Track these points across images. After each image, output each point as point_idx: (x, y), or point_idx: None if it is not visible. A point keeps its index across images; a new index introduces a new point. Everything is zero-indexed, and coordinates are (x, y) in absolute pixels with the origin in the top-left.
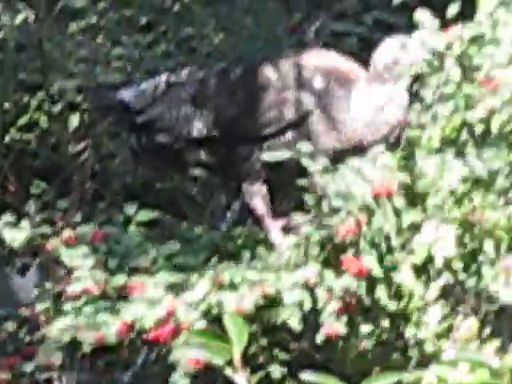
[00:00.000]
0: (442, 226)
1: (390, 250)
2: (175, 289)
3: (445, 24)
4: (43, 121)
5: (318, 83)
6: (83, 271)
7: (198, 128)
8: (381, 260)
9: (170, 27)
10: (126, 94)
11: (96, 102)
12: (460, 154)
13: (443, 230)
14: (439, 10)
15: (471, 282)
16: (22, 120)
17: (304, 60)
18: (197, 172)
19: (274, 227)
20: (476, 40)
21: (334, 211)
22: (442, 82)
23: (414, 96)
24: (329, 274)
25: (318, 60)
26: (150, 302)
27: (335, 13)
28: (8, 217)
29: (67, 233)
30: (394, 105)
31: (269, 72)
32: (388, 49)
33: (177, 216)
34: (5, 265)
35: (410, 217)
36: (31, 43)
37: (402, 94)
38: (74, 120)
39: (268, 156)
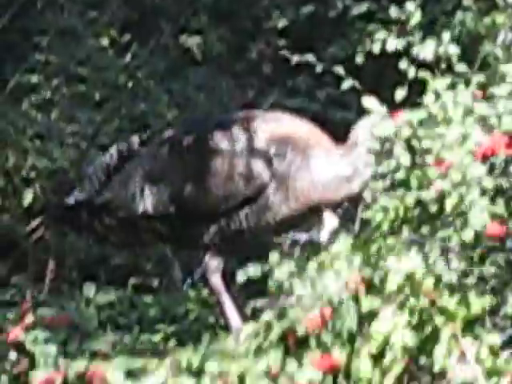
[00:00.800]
0: (398, 313)
1: (351, 339)
2: (134, 375)
3: (393, 107)
4: None
5: (273, 153)
6: (46, 358)
7: (154, 205)
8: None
9: (124, 103)
10: (78, 195)
11: (55, 219)
12: (415, 232)
13: (400, 318)
14: (386, 93)
15: (426, 362)
16: None
17: (258, 127)
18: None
19: (231, 310)
20: (425, 123)
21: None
22: (392, 168)
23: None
24: (291, 364)
25: (273, 126)
26: None
27: (288, 89)
28: None
29: (29, 317)
30: (356, 176)
31: (221, 143)
32: (363, 127)
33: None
34: None
35: (369, 303)
36: None
37: (365, 169)
38: (28, 196)
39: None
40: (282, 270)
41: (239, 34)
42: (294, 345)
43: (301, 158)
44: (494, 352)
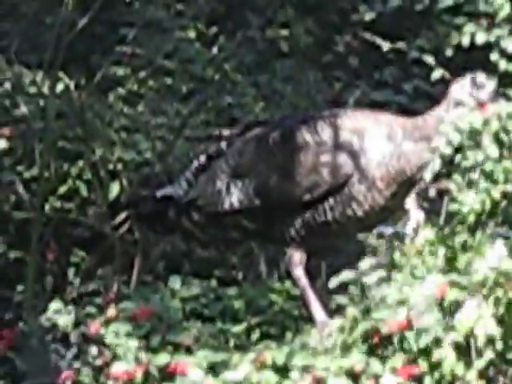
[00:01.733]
0: (483, 305)
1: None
2: (217, 368)
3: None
4: (83, 189)
5: (356, 144)
6: (126, 352)
7: (240, 199)
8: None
9: (211, 96)
10: (168, 190)
11: (141, 210)
12: (501, 225)
13: (485, 310)
14: None
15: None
16: (62, 189)
17: (342, 122)
18: (237, 236)
19: (315, 304)
20: None
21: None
22: (480, 160)
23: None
24: (375, 365)
25: (357, 121)
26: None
27: (375, 82)
28: (57, 303)
29: (111, 311)
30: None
31: (306, 136)
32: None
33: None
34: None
35: (453, 294)
36: (72, 112)
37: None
38: (115, 189)
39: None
40: (371, 277)
41: (326, 26)
42: (377, 344)
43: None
44: None
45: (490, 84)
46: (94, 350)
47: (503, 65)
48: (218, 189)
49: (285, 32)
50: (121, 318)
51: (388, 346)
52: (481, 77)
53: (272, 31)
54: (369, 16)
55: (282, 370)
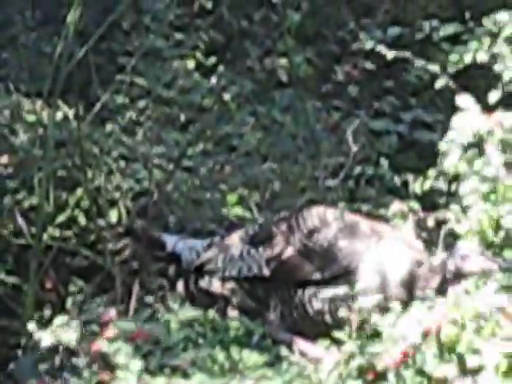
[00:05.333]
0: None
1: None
2: None
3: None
4: (82, 218)
5: (367, 235)
6: (128, 372)
7: (249, 266)
8: None
9: (209, 125)
10: (179, 247)
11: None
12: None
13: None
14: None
15: None
16: (61, 217)
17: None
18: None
19: (308, 346)
20: None
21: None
22: (484, 164)
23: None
24: None
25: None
26: None
27: (374, 111)
28: (61, 319)
29: (110, 331)
30: None
31: (321, 219)
32: None
33: None
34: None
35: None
36: (70, 140)
37: None
38: (113, 217)
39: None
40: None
41: (325, 56)
42: (372, 379)
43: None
44: None
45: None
46: (95, 366)
47: (507, 76)
48: (228, 256)
49: (284, 61)
50: (120, 338)
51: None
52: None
53: (271, 61)
54: (368, 45)
55: None
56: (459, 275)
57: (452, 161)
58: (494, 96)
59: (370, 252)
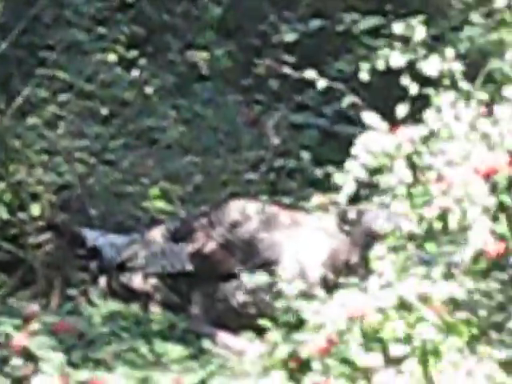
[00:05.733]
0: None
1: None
2: None
3: (396, 123)
4: (4, 212)
5: (287, 225)
6: (50, 365)
7: (172, 263)
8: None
9: (131, 119)
10: (100, 242)
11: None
12: (420, 247)
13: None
14: (392, 109)
15: None
16: None
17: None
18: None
19: (231, 339)
20: (427, 139)
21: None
22: (393, 184)
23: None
24: None
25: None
26: None
27: (296, 104)
28: None
29: (34, 324)
30: None
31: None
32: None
33: None
34: None
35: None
36: None
37: None
38: (35, 211)
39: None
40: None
41: (246, 49)
42: (296, 368)
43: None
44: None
45: None
46: (16, 361)
47: (414, 89)
48: (150, 253)
49: (205, 55)
50: (42, 332)
51: (308, 369)
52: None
53: (192, 54)
54: (290, 37)
55: None
56: (374, 237)
57: (347, 192)
58: (401, 109)
59: (289, 242)
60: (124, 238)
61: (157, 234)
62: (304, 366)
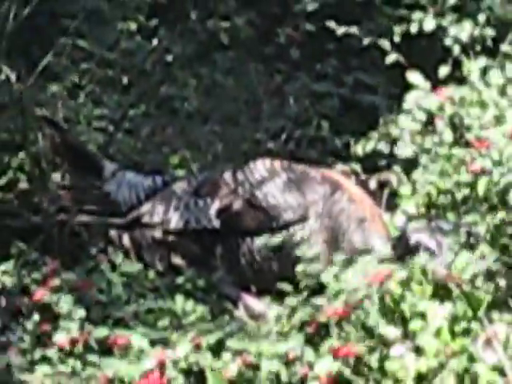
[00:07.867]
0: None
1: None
2: (156, 345)
3: (435, 84)
4: (24, 181)
5: (319, 183)
6: (71, 321)
7: (198, 218)
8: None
9: (151, 87)
10: (113, 190)
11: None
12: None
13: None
14: (429, 70)
15: None
16: (2, 180)
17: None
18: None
19: (253, 301)
20: (466, 101)
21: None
22: (436, 143)
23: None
24: (309, 352)
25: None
26: (136, 355)
27: (316, 74)
28: (7, 265)
29: (55, 280)
30: None
31: (273, 171)
32: None
33: None
34: None
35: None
36: (12, 103)
37: None
38: (56, 180)
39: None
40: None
41: (267, 18)
42: (314, 333)
43: None
44: None
45: None
46: (36, 316)
47: (457, 50)
48: (168, 208)
49: (226, 24)
50: (63, 289)
51: (325, 334)
52: None
53: (213, 23)
54: (310, 7)
55: (217, 352)
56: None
57: (403, 146)
58: (444, 70)
59: (321, 201)
60: (144, 181)
61: (177, 188)
62: (322, 330)
